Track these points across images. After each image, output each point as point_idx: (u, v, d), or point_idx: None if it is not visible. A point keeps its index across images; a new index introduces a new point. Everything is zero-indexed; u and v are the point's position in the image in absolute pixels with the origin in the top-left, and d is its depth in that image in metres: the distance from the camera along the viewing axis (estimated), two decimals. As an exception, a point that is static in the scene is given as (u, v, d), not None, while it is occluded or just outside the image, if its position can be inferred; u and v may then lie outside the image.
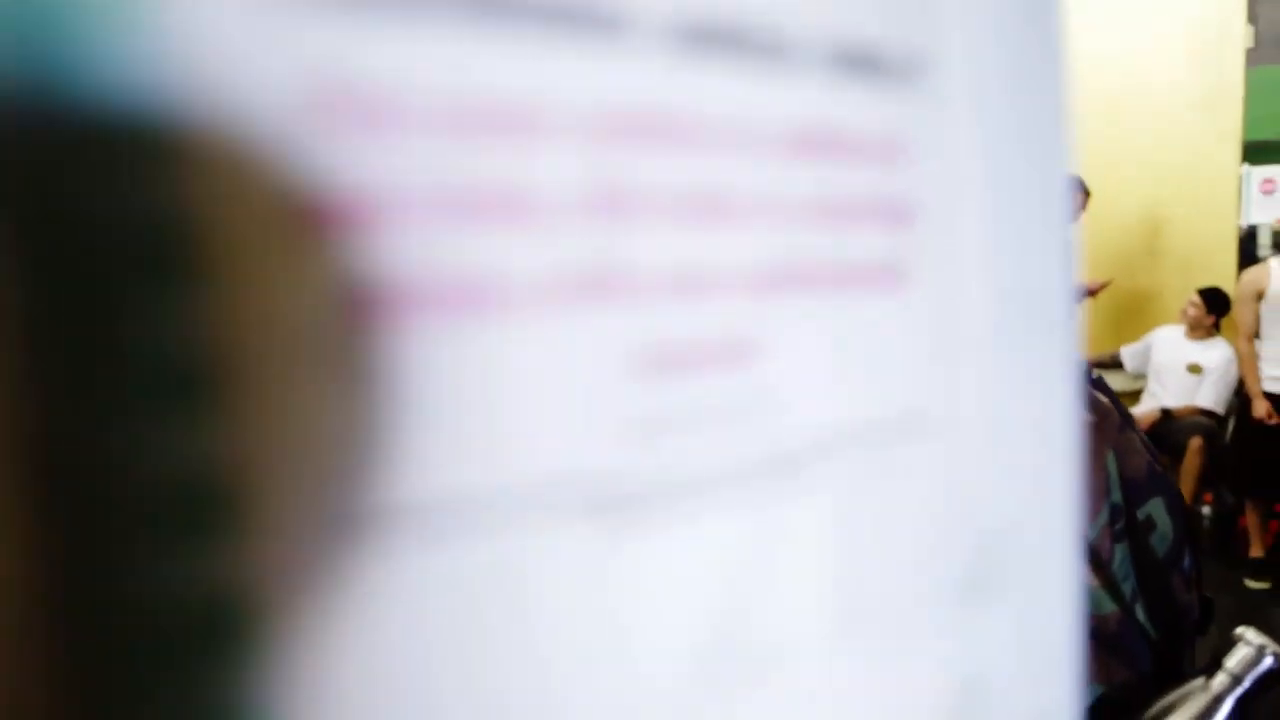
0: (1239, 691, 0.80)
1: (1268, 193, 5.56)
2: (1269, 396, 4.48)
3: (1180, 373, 5.14)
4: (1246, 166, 5.49)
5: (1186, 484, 4.80)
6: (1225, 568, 4.62)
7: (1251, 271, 4.65)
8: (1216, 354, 5.08)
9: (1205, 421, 4.98)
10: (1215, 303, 5.10)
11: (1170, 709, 0.83)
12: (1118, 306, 5.42)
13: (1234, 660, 0.81)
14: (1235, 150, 5.39)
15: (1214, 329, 5.16)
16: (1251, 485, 4.55)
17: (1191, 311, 5.11)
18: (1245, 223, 5.55)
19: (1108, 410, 0.86)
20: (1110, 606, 0.90)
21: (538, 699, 0.17)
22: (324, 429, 0.14)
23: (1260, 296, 4.50)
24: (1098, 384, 0.90)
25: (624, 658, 0.18)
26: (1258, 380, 4.53)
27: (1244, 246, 5.62)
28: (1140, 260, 5.64)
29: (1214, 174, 5.42)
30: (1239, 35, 5.29)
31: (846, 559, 0.22)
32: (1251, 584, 4.40)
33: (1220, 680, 0.81)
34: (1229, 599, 4.40)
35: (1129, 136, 5.47)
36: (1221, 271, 5.32)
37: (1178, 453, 4.88)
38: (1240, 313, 4.61)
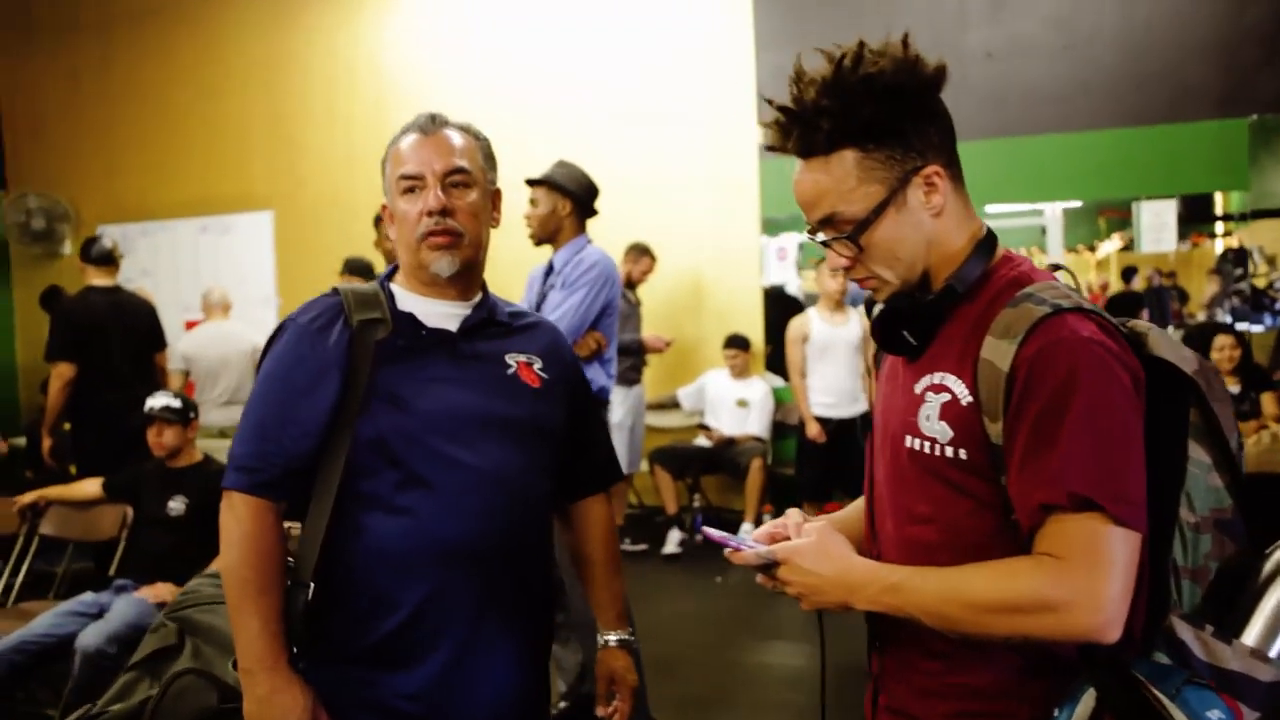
0: None
1: (782, 258, 6.71)
2: (819, 420, 5.36)
3: (731, 407, 6.18)
4: (765, 238, 6.61)
5: (752, 496, 5.76)
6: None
7: (797, 320, 5.50)
8: (758, 390, 6.19)
9: (759, 445, 6.02)
10: (742, 344, 6.17)
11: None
12: (671, 354, 6.30)
13: None
14: (755, 225, 6.54)
15: (750, 367, 6.23)
16: (808, 491, 5.35)
17: (735, 361, 6.14)
18: (766, 282, 6.65)
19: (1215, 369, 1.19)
20: (1228, 500, 1.17)
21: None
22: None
23: (805, 340, 5.40)
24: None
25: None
26: (809, 407, 5.38)
27: (782, 300, 6.66)
28: (686, 315, 6.60)
29: (740, 244, 6.55)
30: (753, 134, 6.46)
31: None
32: None
33: None
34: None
35: (674, 217, 6.47)
36: (749, 321, 6.45)
37: (741, 472, 5.87)
38: (791, 353, 5.45)
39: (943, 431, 1.17)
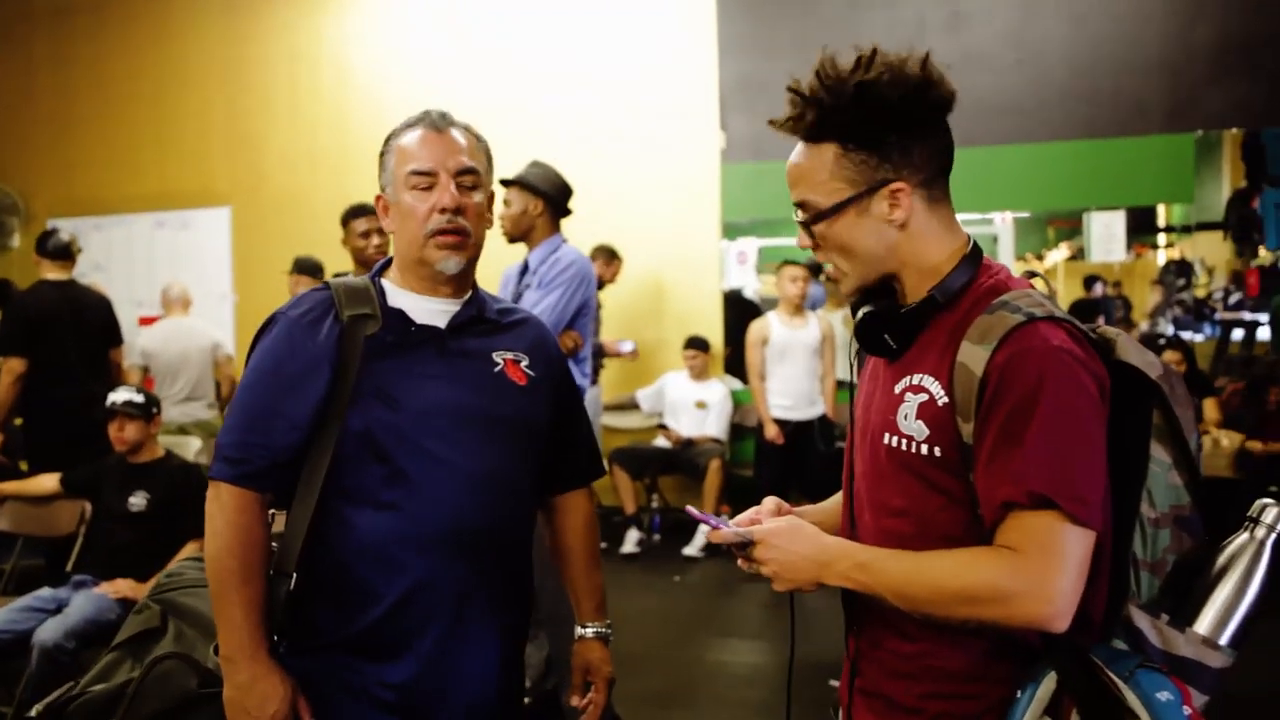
0: (1274, 537, 1.18)
1: (742, 262, 6.80)
2: (777, 422, 5.44)
3: (690, 408, 6.23)
4: (725, 242, 6.69)
5: (710, 497, 5.82)
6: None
7: (757, 323, 5.59)
8: (716, 392, 6.25)
9: (717, 447, 6.09)
10: (703, 346, 6.24)
11: (1233, 557, 1.18)
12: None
13: (1269, 515, 1.18)
14: (716, 229, 6.60)
15: (709, 369, 6.31)
16: (766, 492, 5.45)
17: (694, 362, 6.20)
18: (726, 286, 6.73)
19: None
20: (1187, 498, 1.24)
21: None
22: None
23: (765, 343, 5.49)
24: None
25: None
26: (768, 409, 5.47)
27: (740, 304, 6.76)
28: (647, 318, 6.65)
29: (701, 247, 6.61)
30: (715, 140, 6.55)
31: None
32: None
33: (1261, 531, 1.18)
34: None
35: (636, 220, 6.50)
36: (709, 324, 6.50)
37: (700, 473, 5.93)
38: (750, 356, 5.53)
39: (919, 430, 1.23)
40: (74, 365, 4.72)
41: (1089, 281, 7.08)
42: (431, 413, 1.57)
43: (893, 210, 1.26)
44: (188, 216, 7.60)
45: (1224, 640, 1.16)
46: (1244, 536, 1.20)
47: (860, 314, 1.32)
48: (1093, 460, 1.14)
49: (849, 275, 1.32)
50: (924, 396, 1.24)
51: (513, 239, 3.43)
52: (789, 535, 1.27)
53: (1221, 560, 1.20)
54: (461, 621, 1.58)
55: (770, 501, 1.39)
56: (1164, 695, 1.08)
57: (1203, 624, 1.17)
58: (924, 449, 1.23)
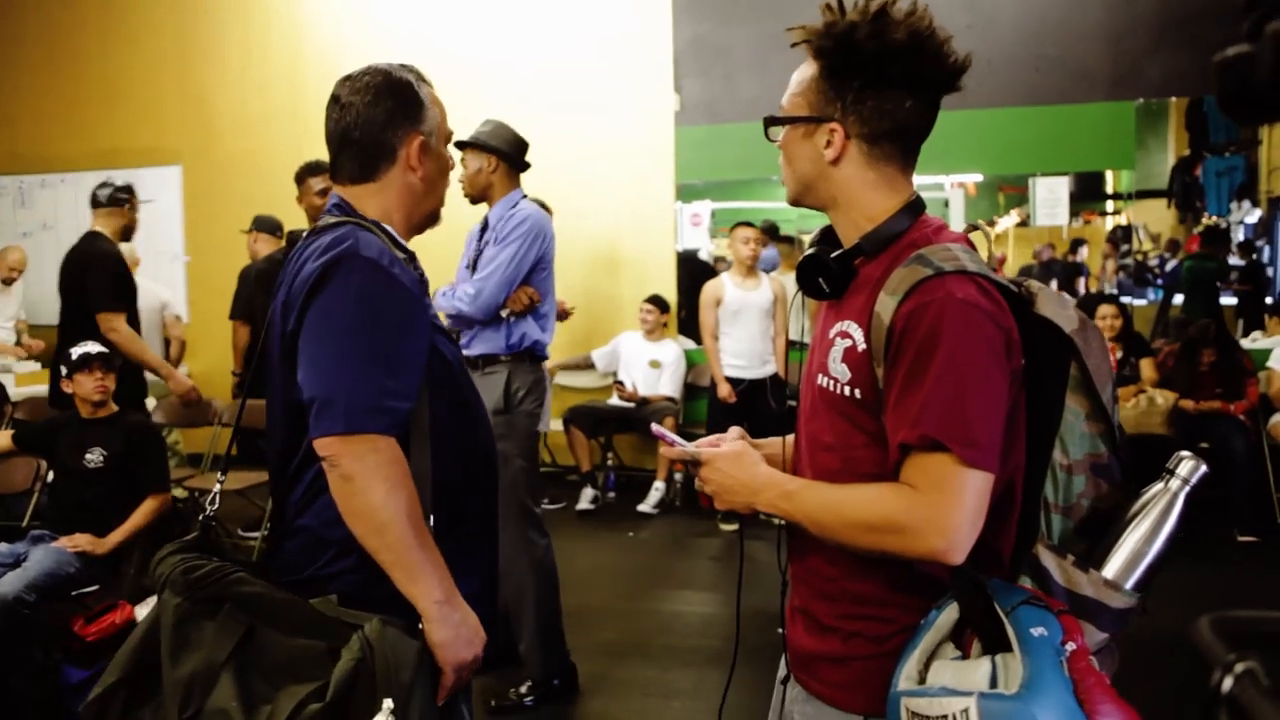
0: (1186, 490, 1.24)
1: (695, 224, 6.85)
2: (729, 380, 5.54)
3: (644, 368, 6.30)
4: (679, 204, 6.76)
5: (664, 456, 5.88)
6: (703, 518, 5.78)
7: (711, 284, 5.68)
8: (670, 351, 6.33)
9: (671, 405, 6.17)
10: (663, 305, 6.33)
11: (1146, 505, 1.25)
12: (586, 316, 6.39)
13: (1184, 468, 1.24)
14: (670, 190, 6.66)
15: (665, 329, 6.39)
16: None
17: (648, 318, 6.29)
18: (680, 247, 6.80)
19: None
20: (1103, 447, 1.31)
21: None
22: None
23: (719, 303, 5.57)
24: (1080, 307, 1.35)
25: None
26: (721, 369, 5.57)
27: (694, 264, 6.84)
28: (603, 278, 6.69)
29: (656, 209, 6.67)
30: (669, 102, 6.58)
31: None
32: (725, 527, 5.47)
33: (1175, 483, 1.24)
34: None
35: (592, 182, 6.54)
36: (663, 285, 6.57)
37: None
38: (704, 317, 5.61)
39: (843, 373, 1.32)
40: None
41: (1075, 244, 7.22)
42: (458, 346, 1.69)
43: (826, 147, 1.34)
44: (136, 175, 7.46)
45: (1129, 584, 1.23)
46: (1158, 486, 1.26)
47: (802, 258, 1.41)
48: (989, 406, 1.21)
49: (787, 183, 1.43)
50: (849, 342, 1.32)
51: (474, 199, 3.46)
52: (731, 460, 1.39)
53: (1135, 507, 1.26)
54: (487, 536, 1.68)
55: (735, 430, 1.48)
56: (1038, 630, 1.13)
57: (1110, 567, 1.23)
58: (847, 390, 1.32)
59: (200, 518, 1.60)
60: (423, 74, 1.68)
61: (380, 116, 1.60)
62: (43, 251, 7.48)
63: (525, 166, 3.51)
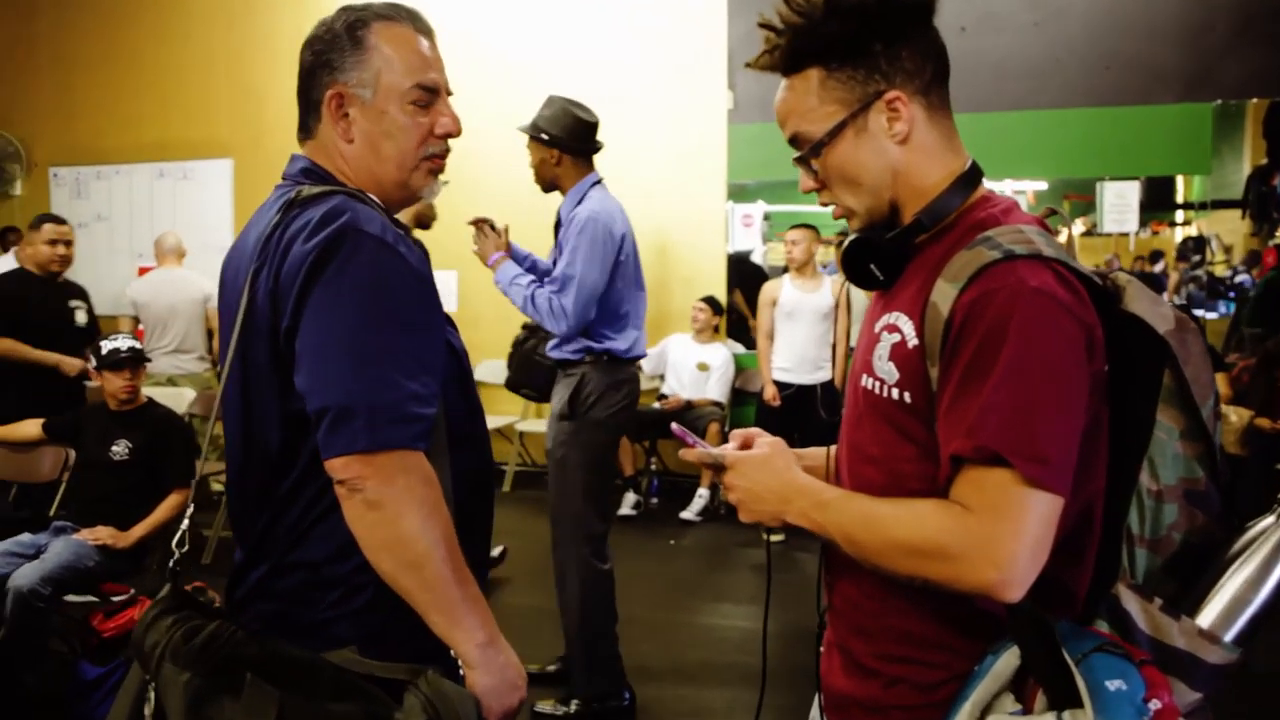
0: None
1: (747, 225, 6.67)
2: (776, 384, 5.40)
3: (692, 370, 6.15)
4: (731, 204, 6.57)
5: (708, 460, 5.74)
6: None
7: (770, 283, 5.59)
8: (719, 355, 6.17)
9: (717, 410, 6.01)
10: (716, 306, 6.18)
11: (1251, 543, 1.05)
12: None
13: None
14: (722, 191, 6.49)
15: (716, 332, 6.23)
16: None
17: (700, 316, 6.12)
18: (731, 249, 6.62)
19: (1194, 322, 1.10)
20: (1200, 471, 1.10)
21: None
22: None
23: (774, 303, 5.45)
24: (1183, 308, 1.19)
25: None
26: (770, 370, 5.44)
27: (745, 267, 6.66)
28: (651, 279, 6.48)
29: (707, 210, 6.50)
30: (722, 99, 6.41)
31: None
32: (773, 538, 5.29)
33: None
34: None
35: (642, 182, 6.32)
36: (714, 288, 6.39)
37: (698, 435, 5.83)
38: (760, 316, 5.52)
39: (890, 373, 1.14)
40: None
41: (1154, 257, 6.91)
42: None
43: (893, 123, 1.15)
44: (189, 167, 7.51)
45: (1229, 636, 1.03)
46: (1269, 520, 1.07)
47: (846, 242, 1.21)
48: (1062, 416, 1.02)
49: (857, 210, 1.20)
50: (896, 337, 1.13)
51: (545, 189, 3.22)
52: (758, 464, 1.20)
53: (1238, 545, 1.06)
54: (480, 567, 1.44)
55: (764, 434, 1.28)
56: (1116, 684, 0.95)
57: (1206, 615, 1.04)
58: (894, 393, 1.13)
59: (170, 565, 1.32)
60: (410, 15, 1.40)
61: (306, 63, 1.43)
62: (95, 242, 7.55)
63: (595, 149, 3.24)
